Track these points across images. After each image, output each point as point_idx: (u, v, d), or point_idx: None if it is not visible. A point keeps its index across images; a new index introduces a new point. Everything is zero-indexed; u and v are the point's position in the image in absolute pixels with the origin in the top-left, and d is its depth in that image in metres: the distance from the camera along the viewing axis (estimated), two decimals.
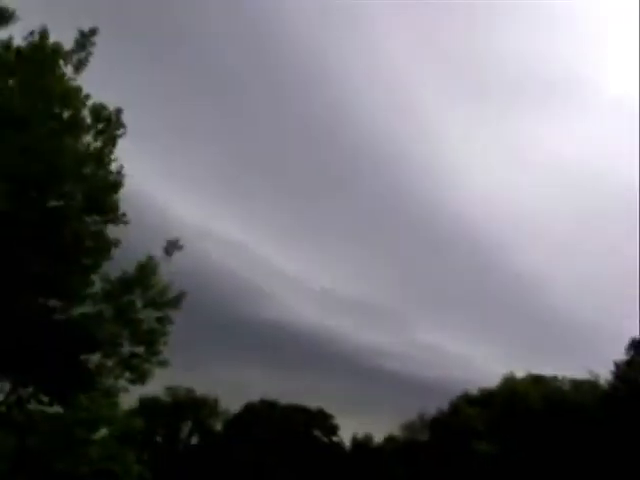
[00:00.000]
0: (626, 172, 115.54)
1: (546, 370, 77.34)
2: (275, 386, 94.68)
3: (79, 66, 15.12)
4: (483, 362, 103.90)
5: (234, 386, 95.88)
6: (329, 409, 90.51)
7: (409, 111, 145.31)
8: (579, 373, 71.76)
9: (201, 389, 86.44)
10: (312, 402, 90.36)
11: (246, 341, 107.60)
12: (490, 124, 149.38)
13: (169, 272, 16.33)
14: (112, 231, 15.62)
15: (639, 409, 59.42)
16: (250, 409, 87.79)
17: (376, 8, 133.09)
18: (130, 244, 16.32)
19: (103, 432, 14.11)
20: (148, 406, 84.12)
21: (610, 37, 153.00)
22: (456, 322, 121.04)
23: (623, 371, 65.57)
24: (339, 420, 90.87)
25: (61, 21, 16.45)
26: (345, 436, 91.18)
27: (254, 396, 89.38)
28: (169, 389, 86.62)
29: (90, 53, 15.19)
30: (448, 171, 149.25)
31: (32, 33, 14.57)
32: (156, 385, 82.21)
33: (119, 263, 15.76)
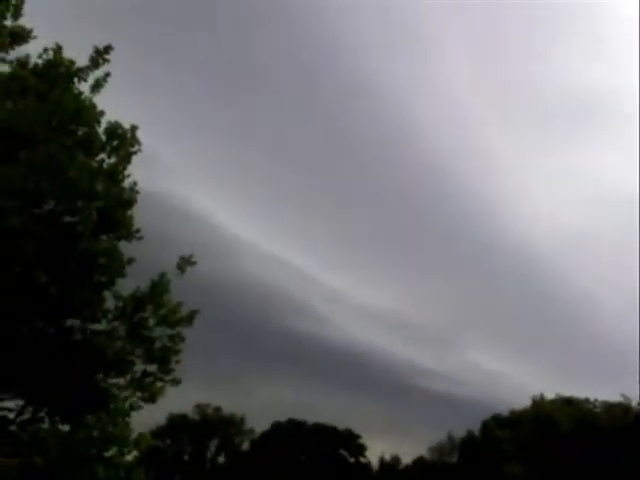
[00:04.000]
0: None
1: (580, 392, 76.36)
2: (307, 403, 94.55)
3: (96, 86, 15.17)
4: (519, 381, 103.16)
5: (266, 403, 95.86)
6: (360, 428, 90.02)
7: (469, 141, 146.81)
8: (613, 397, 70.79)
9: (233, 405, 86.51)
10: (343, 420, 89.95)
11: (282, 356, 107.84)
12: (549, 153, 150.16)
13: (190, 286, 16.24)
14: (128, 248, 15.56)
15: None
16: (277, 428, 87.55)
17: (435, 39, 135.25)
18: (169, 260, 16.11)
19: (113, 451, 13.90)
20: (176, 424, 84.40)
21: None
22: (495, 342, 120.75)
23: None
24: (369, 440, 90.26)
25: (80, 40, 16.47)
26: (374, 456, 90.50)
27: (286, 413, 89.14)
28: (198, 407, 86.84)
29: (108, 74, 15.23)
30: (501, 196, 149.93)
31: (46, 50, 14.65)
32: (186, 402, 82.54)
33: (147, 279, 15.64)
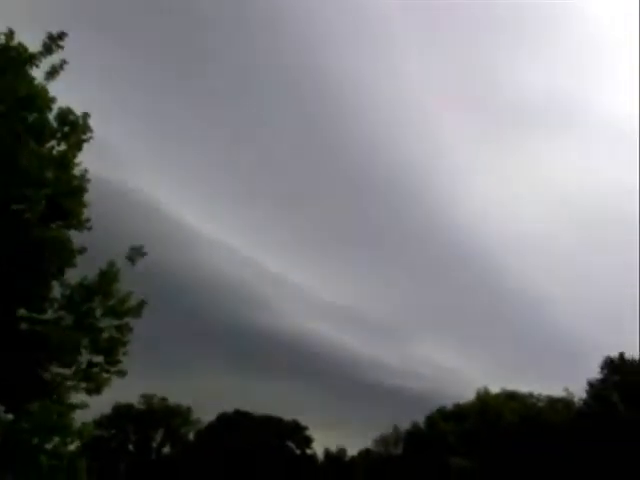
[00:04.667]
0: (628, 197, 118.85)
1: (526, 387, 77.74)
2: (254, 395, 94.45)
3: (52, 73, 14.92)
4: (468, 376, 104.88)
5: (213, 394, 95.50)
6: (306, 420, 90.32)
7: (426, 136, 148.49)
8: (556, 392, 72.36)
9: (184, 396, 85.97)
10: (290, 412, 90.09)
11: (233, 348, 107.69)
12: (501, 152, 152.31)
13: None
14: (79, 237, 15.38)
15: (611, 427, 59.69)
16: (223, 419, 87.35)
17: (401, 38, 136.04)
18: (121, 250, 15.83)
19: (55, 441, 13.82)
20: (121, 414, 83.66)
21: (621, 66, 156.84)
22: (445, 338, 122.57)
23: (597, 389, 65.95)
24: (315, 432, 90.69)
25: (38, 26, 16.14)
26: (320, 448, 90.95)
27: (232, 404, 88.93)
28: (143, 396, 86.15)
29: (64, 61, 14.98)
30: (450, 192, 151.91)
31: None
32: (132, 392, 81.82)
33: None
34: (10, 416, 14.42)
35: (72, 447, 14.87)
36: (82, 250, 15.16)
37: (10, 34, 14.41)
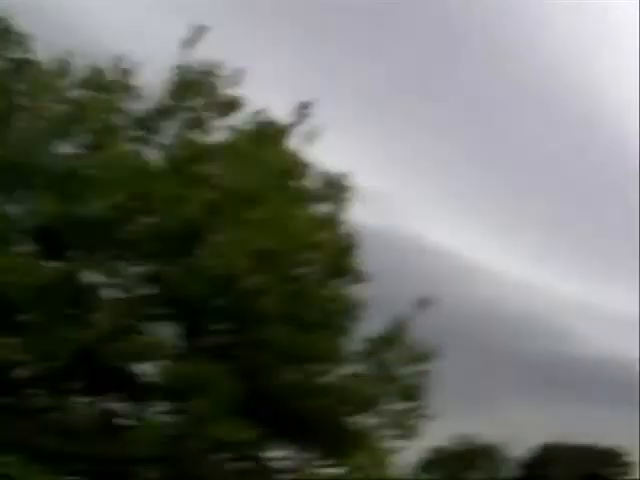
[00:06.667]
0: None
1: None
2: (560, 424, 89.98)
3: (310, 137, 15.40)
4: None
5: (525, 427, 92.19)
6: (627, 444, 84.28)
7: None
8: None
9: (493, 433, 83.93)
10: (607, 439, 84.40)
11: (539, 378, 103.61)
12: None
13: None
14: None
15: None
16: (539, 453, 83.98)
17: None
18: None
19: None
20: (436, 456, 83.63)
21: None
22: None
23: None
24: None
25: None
26: None
27: (540, 438, 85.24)
28: (454, 438, 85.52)
29: (321, 125, 15.36)
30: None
31: (256, 113, 15.19)
32: (443, 433, 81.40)
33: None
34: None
35: None
36: (363, 303, 15.45)
37: (265, 113, 15.22)
